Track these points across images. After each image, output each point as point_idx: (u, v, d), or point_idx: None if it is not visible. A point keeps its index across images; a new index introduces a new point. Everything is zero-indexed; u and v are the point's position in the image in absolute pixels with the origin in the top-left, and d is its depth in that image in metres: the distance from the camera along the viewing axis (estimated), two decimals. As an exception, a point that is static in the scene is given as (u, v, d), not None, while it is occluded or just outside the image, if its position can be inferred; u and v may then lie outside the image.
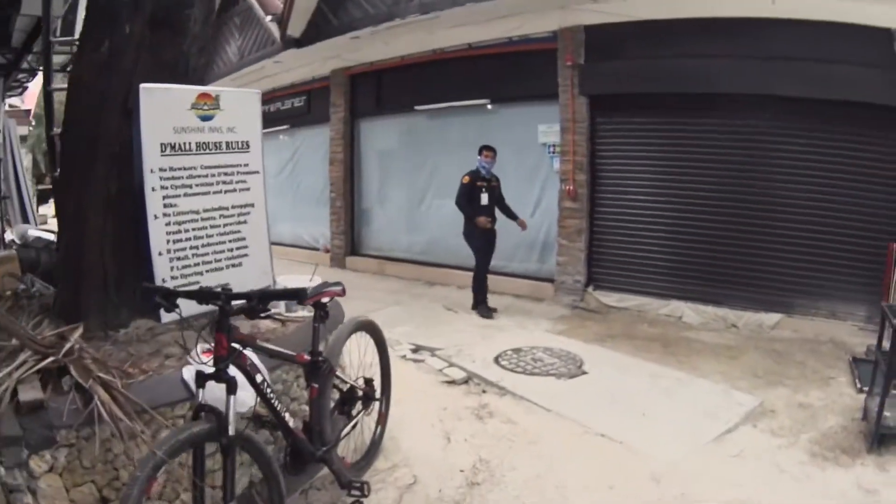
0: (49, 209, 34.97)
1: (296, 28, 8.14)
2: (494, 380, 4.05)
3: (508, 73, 7.02)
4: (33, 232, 6.90)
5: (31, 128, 21.33)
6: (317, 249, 10.12)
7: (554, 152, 6.53)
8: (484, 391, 3.95)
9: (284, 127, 10.86)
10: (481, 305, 5.99)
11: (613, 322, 5.66)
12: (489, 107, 7.40)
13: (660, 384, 3.89)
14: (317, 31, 8.08)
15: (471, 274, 7.28)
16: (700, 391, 3.78)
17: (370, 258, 9.04)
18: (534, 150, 6.78)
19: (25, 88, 11.22)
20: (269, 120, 11.12)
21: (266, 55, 9.12)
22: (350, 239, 9.40)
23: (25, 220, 9.29)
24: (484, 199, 6.05)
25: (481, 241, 6.10)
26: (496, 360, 4.42)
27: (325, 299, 2.60)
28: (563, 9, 5.89)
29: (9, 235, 6.59)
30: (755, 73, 5.25)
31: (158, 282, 2.87)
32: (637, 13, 5.61)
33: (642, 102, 5.95)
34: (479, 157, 6.11)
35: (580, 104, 6.12)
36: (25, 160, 29.70)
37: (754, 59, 5.26)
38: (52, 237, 6.93)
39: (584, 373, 4.12)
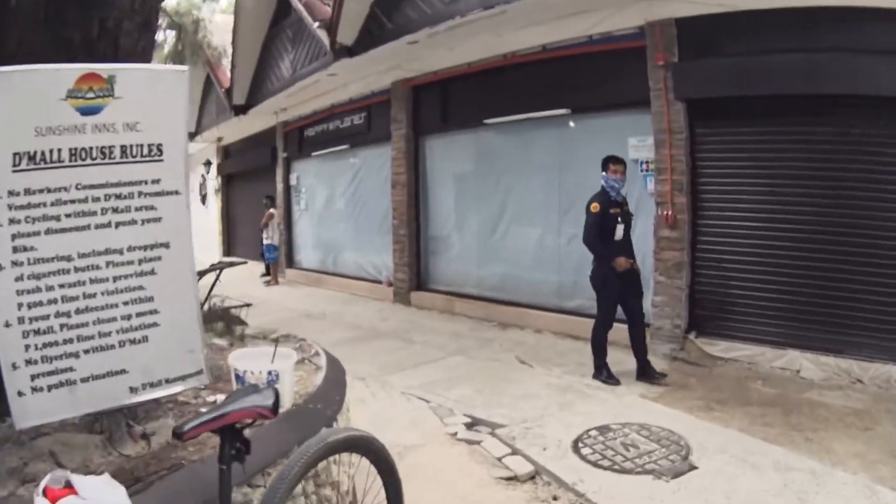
0: None
1: (347, 35, 8.17)
2: (571, 481, 3.39)
3: (590, 77, 6.64)
4: None
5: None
6: (380, 282, 10.12)
7: (648, 170, 6.06)
8: (555, 497, 3.31)
9: (344, 147, 11.03)
10: (603, 370, 5.07)
11: (720, 379, 5.08)
12: (570, 120, 7.04)
13: (790, 481, 3.29)
14: (370, 37, 8.07)
15: (553, 315, 7.05)
16: (839, 490, 3.16)
17: (438, 294, 8.88)
18: (623, 167, 6.41)
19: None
20: (329, 139, 11.45)
21: (319, 67, 9.30)
22: (416, 271, 9.33)
23: None
24: (619, 231, 5.10)
25: (616, 288, 5.09)
26: (575, 445, 3.81)
27: (239, 423, 1.74)
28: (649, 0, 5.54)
29: None
30: (874, 71, 4.68)
31: (5, 368, 2.13)
32: (736, 2, 5.12)
33: (748, 107, 5.37)
34: (603, 174, 5.17)
35: (676, 111, 5.61)
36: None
37: (871, 53, 4.70)
38: None
39: (693, 467, 3.47)
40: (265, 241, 12.66)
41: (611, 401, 4.66)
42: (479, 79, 8.11)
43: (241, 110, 12.49)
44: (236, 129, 14.69)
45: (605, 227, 5.06)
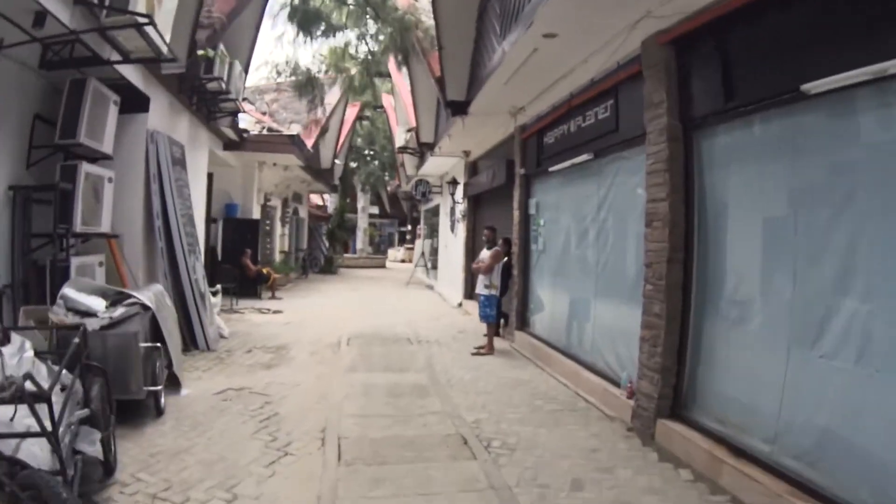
0: (397, 252, 39.65)
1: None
2: None
3: None
4: (73, 293, 6.08)
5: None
6: (618, 386, 6.78)
7: None
8: None
9: (586, 157, 7.93)
10: None
11: None
12: None
13: None
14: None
15: None
16: None
17: (701, 435, 5.14)
18: None
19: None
20: (568, 147, 8.51)
21: (523, 25, 6.49)
22: (672, 384, 5.68)
23: (175, 273, 8.95)
24: None
25: None
26: None
27: None
28: None
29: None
30: None
31: None
32: None
33: None
34: None
35: None
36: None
37: None
38: (97, 305, 6.00)
39: None
40: (484, 291, 10.05)
41: None
42: (780, 8, 4.44)
43: (459, 109, 10.27)
44: (474, 138, 12.61)
45: None
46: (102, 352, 5.52)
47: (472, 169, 15.18)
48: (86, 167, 7.05)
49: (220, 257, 15.74)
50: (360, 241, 35.99)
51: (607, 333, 7.40)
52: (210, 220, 14.40)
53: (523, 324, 10.60)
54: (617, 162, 7.30)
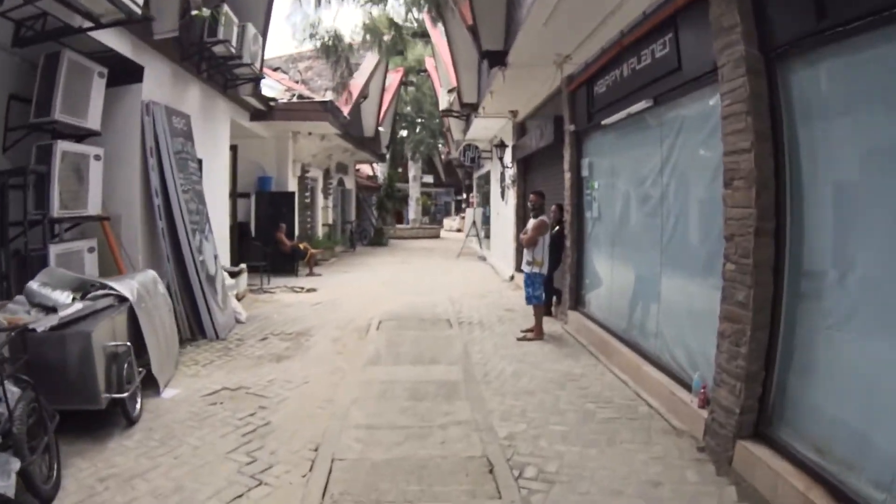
0: (452, 222, 39.16)
1: None
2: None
3: None
4: (38, 286, 5.31)
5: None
6: (688, 389, 5.51)
7: None
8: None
9: (644, 105, 6.56)
10: None
11: None
12: None
13: None
14: None
15: None
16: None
17: (795, 470, 3.83)
18: None
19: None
20: (621, 95, 7.14)
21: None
22: (758, 396, 4.37)
23: (178, 255, 8.13)
24: None
25: None
26: None
27: None
28: None
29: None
30: None
31: None
32: None
33: None
34: None
35: None
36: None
37: None
38: (64, 300, 5.26)
39: None
40: (527, 268, 8.87)
41: None
42: None
43: (496, 59, 8.98)
44: (519, 96, 11.31)
45: None
46: (53, 356, 4.69)
47: (521, 130, 13.86)
48: (63, 146, 6.33)
49: (252, 233, 14.96)
50: (413, 210, 35.00)
51: (675, 320, 6.09)
52: (237, 195, 13.58)
53: (577, 303, 9.33)
54: (682, 107, 5.93)
